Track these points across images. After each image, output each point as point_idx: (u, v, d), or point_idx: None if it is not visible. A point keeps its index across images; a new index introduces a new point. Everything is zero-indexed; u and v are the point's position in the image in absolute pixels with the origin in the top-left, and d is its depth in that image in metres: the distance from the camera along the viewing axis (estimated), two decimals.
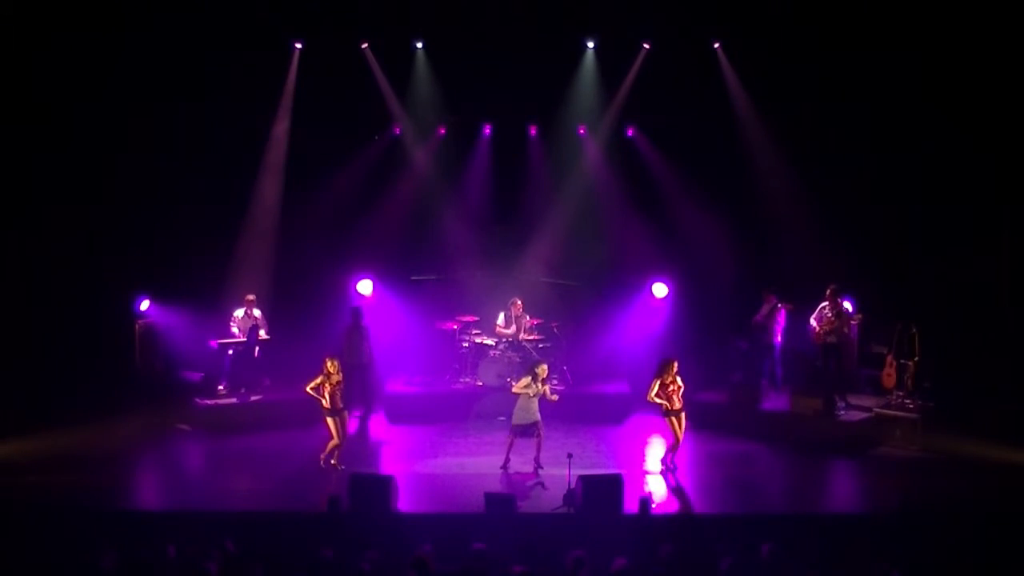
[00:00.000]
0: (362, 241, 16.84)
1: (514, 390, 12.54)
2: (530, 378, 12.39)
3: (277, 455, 13.31)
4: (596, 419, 14.94)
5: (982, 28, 14.43)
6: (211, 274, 15.92)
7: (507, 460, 12.62)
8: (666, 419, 12.42)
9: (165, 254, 15.91)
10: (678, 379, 12.36)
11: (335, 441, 12.39)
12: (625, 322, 16.45)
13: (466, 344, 15.79)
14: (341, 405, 12.40)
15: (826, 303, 14.30)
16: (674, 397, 12.34)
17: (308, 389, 12.34)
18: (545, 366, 12.60)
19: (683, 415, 12.41)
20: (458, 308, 16.13)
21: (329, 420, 12.32)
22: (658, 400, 12.33)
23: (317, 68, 16.24)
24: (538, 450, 12.48)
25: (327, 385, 12.24)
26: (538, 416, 12.42)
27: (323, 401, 12.26)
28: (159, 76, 15.38)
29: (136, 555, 8.94)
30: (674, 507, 11.61)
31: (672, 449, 12.59)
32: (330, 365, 12.27)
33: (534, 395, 12.34)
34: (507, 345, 15.38)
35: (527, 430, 12.44)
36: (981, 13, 14.38)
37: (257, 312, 15.33)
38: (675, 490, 12.12)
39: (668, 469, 12.55)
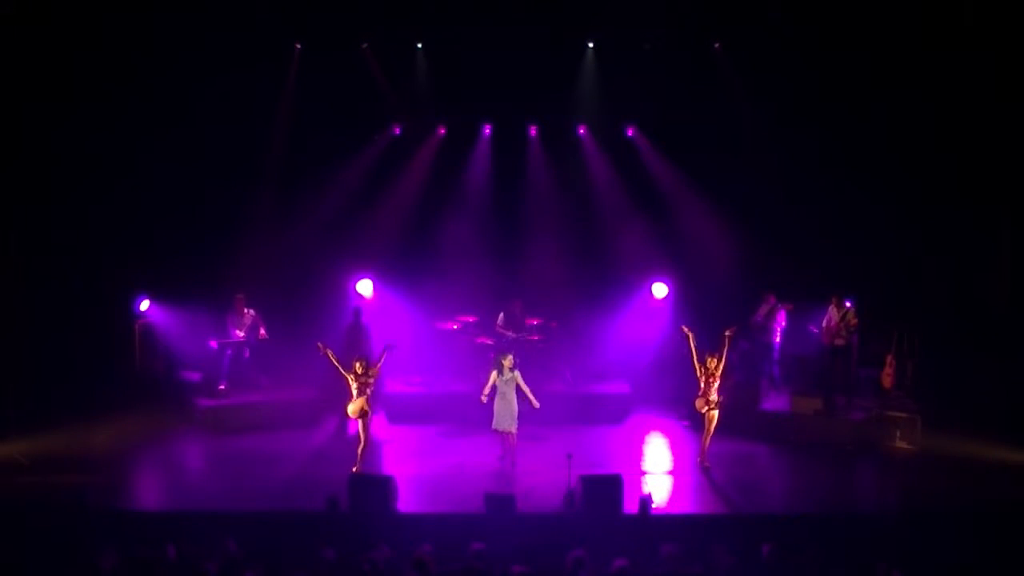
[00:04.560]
0: (362, 241, 16.84)
1: (486, 389, 12.60)
2: (495, 372, 12.50)
3: (277, 455, 13.32)
4: (596, 419, 14.95)
5: (984, 24, 14.42)
6: (211, 274, 15.91)
7: (503, 452, 12.73)
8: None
9: (165, 254, 15.91)
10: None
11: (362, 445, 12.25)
12: (625, 322, 16.45)
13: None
14: (368, 408, 12.23)
15: (832, 307, 14.36)
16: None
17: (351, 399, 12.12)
18: (510, 356, 12.64)
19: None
20: (458, 308, 16.13)
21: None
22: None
23: (317, 68, 16.24)
24: (511, 453, 12.68)
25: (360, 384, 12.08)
26: (514, 427, 12.54)
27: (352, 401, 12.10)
28: (159, 75, 15.38)
29: (136, 555, 8.94)
30: (674, 507, 11.61)
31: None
32: (359, 366, 12.12)
33: (505, 386, 12.40)
34: (507, 345, 15.36)
35: (502, 434, 12.62)
36: (986, 11, 14.39)
37: (249, 310, 15.31)
38: (675, 490, 12.13)
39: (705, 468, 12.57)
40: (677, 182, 16.93)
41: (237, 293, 15.38)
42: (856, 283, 14.90)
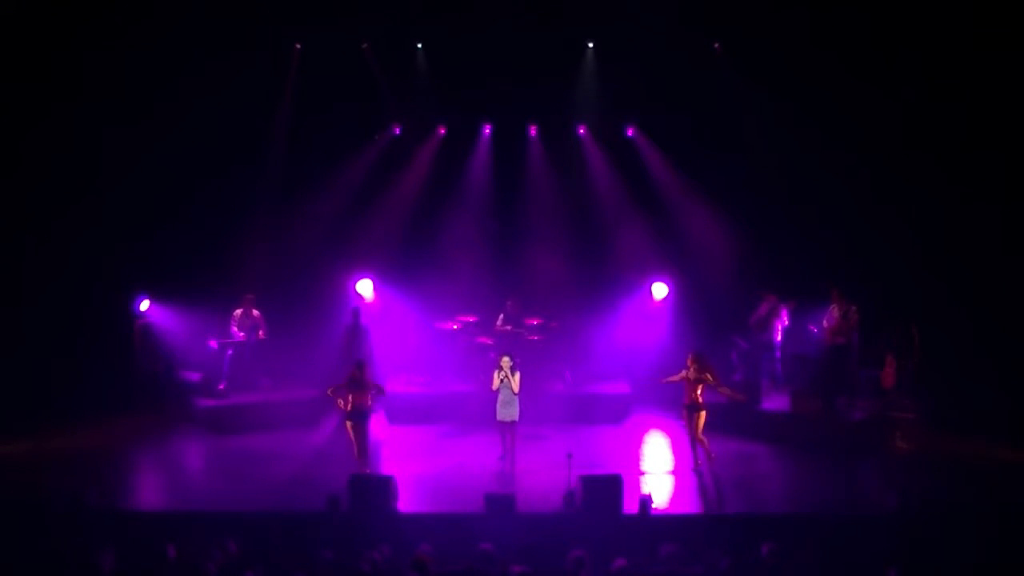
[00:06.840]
0: (362, 241, 16.84)
1: (494, 387, 12.65)
2: (496, 371, 12.57)
3: (277, 455, 13.32)
4: (596, 419, 14.96)
5: (985, 25, 14.42)
6: (211, 274, 15.91)
7: (504, 451, 12.71)
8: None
9: (165, 254, 15.91)
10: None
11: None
12: (625, 322, 16.44)
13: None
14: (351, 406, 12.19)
15: (834, 304, 14.34)
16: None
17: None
18: (507, 358, 12.65)
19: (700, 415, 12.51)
20: (458, 308, 16.13)
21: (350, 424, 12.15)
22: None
23: (317, 68, 16.25)
24: (511, 452, 12.61)
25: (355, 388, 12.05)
26: (515, 416, 12.53)
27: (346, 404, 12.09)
28: (160, 76, 15.39)
29: (136, 555, 8.95)
30: (674, 507, 11.61)
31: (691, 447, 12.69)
32: (357, 368, 12.11)
33: (506, 386, 12.46)
34: (507, 345, 15.34)
35: (504, 426, 12.60)
36: (985, 12, 14.39)
37: (256, 312, 15.35)
38: (675, 490, 12.13)
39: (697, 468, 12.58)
40: (677, 182, 16.93)
41: (247, 293, 15.41)
42: (857, 283, 14.88)
